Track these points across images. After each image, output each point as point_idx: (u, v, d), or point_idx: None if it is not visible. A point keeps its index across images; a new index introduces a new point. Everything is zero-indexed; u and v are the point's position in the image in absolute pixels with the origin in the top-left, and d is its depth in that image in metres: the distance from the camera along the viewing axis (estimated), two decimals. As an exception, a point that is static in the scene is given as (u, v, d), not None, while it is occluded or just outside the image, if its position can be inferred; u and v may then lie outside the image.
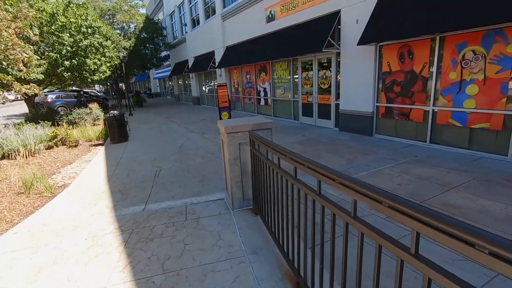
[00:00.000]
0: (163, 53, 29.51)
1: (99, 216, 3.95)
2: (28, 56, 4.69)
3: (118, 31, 23.02)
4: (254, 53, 12.27)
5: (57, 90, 20.15)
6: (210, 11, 17.08)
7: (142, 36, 22.23)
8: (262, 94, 13.19)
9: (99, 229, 3.56)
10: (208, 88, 19.90)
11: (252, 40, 12.98)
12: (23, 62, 4.65)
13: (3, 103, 29.55)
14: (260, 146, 3.10)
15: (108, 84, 31.42)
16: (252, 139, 3.39)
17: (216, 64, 16.17)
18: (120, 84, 68.46)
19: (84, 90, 29.61)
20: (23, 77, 9.45)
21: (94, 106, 17.83)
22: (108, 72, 13.92)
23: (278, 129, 9.63)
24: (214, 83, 18.21)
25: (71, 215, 4.03)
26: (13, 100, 35.48)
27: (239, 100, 15.48)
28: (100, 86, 49.36)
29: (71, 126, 11.42)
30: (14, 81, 5.36)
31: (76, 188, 5.30)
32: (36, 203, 4.65)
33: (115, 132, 9.39)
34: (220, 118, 9.50)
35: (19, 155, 7.32)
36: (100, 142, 9.92)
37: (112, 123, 9.31)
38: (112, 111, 9.97)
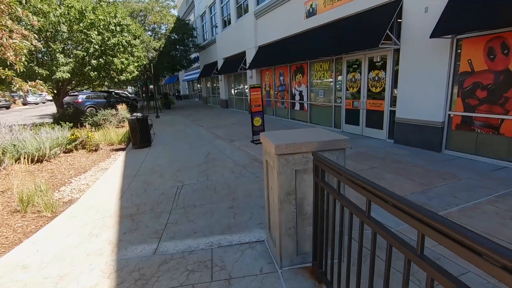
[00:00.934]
0: (193, 55, 29.23)
1: (96, 258, 2.92)
2: (16, 42, 3.84)
3: (149, 32, 22.88)
4: (290, 53, 11.06)
5: (88, 91, 20.27)
6: (242, 10, 16.15)
7: (172, 37, 21.86)
8: (297, 97, 11.92)
9: (89, 286, 2.50)
10: (237, 90, 18.98)
11: (287, 38, 11.78)
12: (14, 50, 3.84)
13: (6, 108, 30.03)
14: (331, 176, 1.90)
15: (138, 85, 31.71)
16: (317, 165, 2.18)
17: (247, 65, 15.16)
18: (150, 86, 70.40)
19: (116, 91, 30.09)
20: (44, 74, 8.88)
21: (122, 107, 17.60)
22: (136, 72, 13.37)
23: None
24: (243, 85, 17.24)
25: (62, 254, 3.03)
26: (50, 100, 36.96)
27: (270, 104, 14.31)
28: (132, 87, 50.65)
29: (94, 128, 10.88)
30: (14, 76, 4.57)
31: (82, 207, 4.37)
32: (29, 227, 3.74)
33: (137, 136, 8.58)
34: (252, 124, 8.36)
35: (32, 160, 6.65)
36: (122, 146, 9.18)
37: (135, 126, 8.51)
38: (135, 113, 9.21)
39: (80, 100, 17.81)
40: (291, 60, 11.19)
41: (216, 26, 20.99)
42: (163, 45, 20.97)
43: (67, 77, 10.30)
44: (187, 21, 23.30)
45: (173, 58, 21.58)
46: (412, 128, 6.92)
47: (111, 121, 11.63)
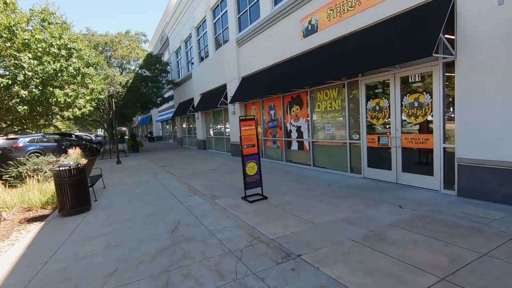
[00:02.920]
0: (167, 94, 27.00)
1: None
2: None
3: (117, 68, 20.50)
4: (283, 81, 8.90)
5: (39, 133, 16.91)
6: (222, 39, 14.35)
7: (143, 73, 19.60)
8: (294, 135, 9.55)
9: None
10: (216, 130, 16.49)
11: (279, 64, 9.74)
12: None
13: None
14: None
15: (104, 126, 28.52)
16: None
17: (229, 99, 12.90)
18: (124, 128, 66.28)
19: (76, 134, 26.59)
20: None
21: (75, 151, 14.37)
22: (89, 107, 10.53)
23: (332, 189, 5.75)
24: (224, 123, 14.81)
25: None
26: None
27: (259, 143, 11.81)
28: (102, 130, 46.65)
29: (15, 183, 7.67)
30: None
31: None
32: None
33: (67, 197, 5.54)
34: (244, 173, 5.67)
35: None
36: (47, 212, 6.04)
37: (63, 181, 5.52)
38: (67, 162, 6.27)
39: (21, 145, 14.41)
40: (284, 89, 8.99)
41: (192, 63, 19.09)
42: (131, 81, 18.51)
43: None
44: (159, 56, 21.31)
45: (143, 96, 19.06)
46: (491, 174, 4.56)
47: (45, 172, 8.44)
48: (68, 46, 9.21)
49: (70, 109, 9.80)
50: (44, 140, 15.65)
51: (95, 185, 7.95)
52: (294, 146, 9.61)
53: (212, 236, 4.07)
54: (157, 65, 19.40)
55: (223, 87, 14.06)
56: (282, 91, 9.64)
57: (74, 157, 14.12)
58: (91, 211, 5.83)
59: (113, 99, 13.28)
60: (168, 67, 21.80)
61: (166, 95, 27.07)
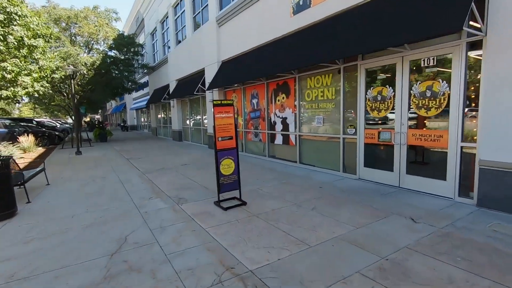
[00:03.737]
0: (143, 80, 25.02)
1: None
2: None
3: (84, 48, 18.38)
4: (268, 64, 7.73)
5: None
6: (201, 19, 12.87)
7: (113, 53, 17.68)
8: (278, 127, 8.44)
9: None
10: (193, 120, 15.09)
11: (264, 46, 8.55)
12: None
13: None
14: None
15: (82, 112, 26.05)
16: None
17: (207, 86, 11.57)
18: (97, 116, 62.41)
19: (38, 120, 24.11)
20: None
21: (27, 139, 12.53)
22: (38, 87, 8.85)
23: (324, 193, 4.70)
24: (202, 112, 13.46)
25: None
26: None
27: (238, 136, 10.63)
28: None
29: None
30: None
31: None
32: None
33: (-22, 201, 4.13)
34: (218, 172, 4.50)
35: None
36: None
37: (-29, 180, 4.10)
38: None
39: (-40, 130, 12.32)
40: (269, 73, 7.83)
41: (169, 46, 17.41)
42: (98, 62, 16.59)
43: None
44: (131, 36, 19.38)
45: (113, 80, 17.19)
46: (524, 181, 3.68)
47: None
48: (8, 10, 7.49)
49: (12, 88, 8.10)
50: (-9, 125, 13.57)
51: (35, 182, 6.51)
52: (279, 140, 8.51)
53: (166, 264, 2.89)
54: (129, 47, 17.54)
55: (201, 73, 12.68)
56: (267, 77, 8.48)
57: (25, 145, 12.32)
58: (15, 217, 4.45)
59: (73, 81, 11.52)
60: (143, 50, 19.95)
61: (141, 81, 25.13)
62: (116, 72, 17.69)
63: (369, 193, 5.05)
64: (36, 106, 31.21)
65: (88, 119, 45.14)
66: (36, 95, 9.34)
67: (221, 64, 11.07)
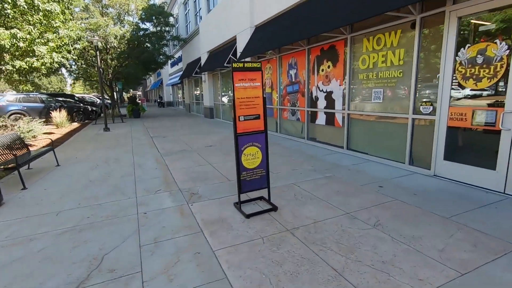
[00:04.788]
0: (177, 54, 24.25)
1: None
2: None
3: (116, 20, 17.77)
4: (310, 23, 6.05)
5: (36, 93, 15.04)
6: (233, -21, 11.24)
7: (143, 25, 16.85)
8: (322, 104, 6.87)
9: None
10: (226, 95, 13.90)
11: (303, 3, 6.84)
12: None
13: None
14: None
15: (118, 88, 26.39)
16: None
17: (238, 56, 10.16)
18: (139, 93, 64.27)
19: (79, 96, 24.78)
20: None
21: (60, 114, 12.38)
22: (57, 59, 8.16)
23: (389, 196, 3.16)
24: (233, 88, 12.18)
25: None
26: None
27: (272, 113, 9.23)
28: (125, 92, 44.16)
29: None
30: None
31: None
32: None
33: None
34: (240, 163, 3.20)
35: None
36: None
37: None
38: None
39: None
40: (313, 33, 6.16)
41: (200, 16, 16.06)
42: (129, 34, 15.89)
43: None
44: (161, 5, 18.29)
45: (144, 53, 16.46)
46: None
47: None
48: (15, -33, 6.65)
49: (28, 59, 7.45)
50: (27, 99, 13.67)
51: (46, 162, 5.89)
52: (321, 119, 6.97)
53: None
54: (160, 17, 16.52)
55: (233, 42, 11.27)
56: (309, 40, 6.84)
57: (57, 121, 12.20)
58: (2, 207, 3.67)
59: (98, 53, 10.83)
60: (175, 21, 18.86)
61: (176, 56, 24.38)
62: (148, 45, 16.92)
63: (457, 201, 3.45)
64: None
65: (129, 95, 46.40)
66: (57, 66, 8.71)
67: (254, 30, 9.52)
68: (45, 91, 39.90)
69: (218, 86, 14.79)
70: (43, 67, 7.84)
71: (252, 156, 3.32)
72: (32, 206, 3.78)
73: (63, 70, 19.50)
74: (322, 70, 6.71)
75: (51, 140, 6.02)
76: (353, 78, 5.86)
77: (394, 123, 5.06)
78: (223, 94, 14.16)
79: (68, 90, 57.32)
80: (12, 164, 4.43)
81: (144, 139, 9.12)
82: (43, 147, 5.73)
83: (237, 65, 3.11)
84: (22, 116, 13.03)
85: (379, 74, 5.21)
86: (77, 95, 24.27)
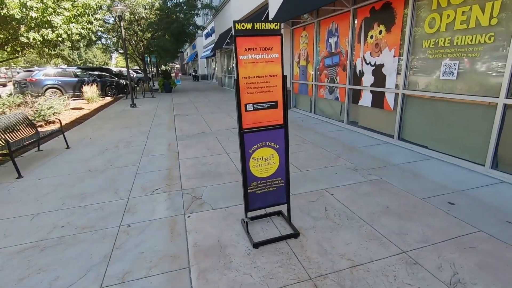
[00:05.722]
0: (210, 25, 23.14)
1: None
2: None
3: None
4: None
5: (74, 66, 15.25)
6: None
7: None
8: (368, 80, 5.51)
9: None
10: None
11: None
12: None
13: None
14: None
15: (153, 62, 26.35)
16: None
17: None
18: (177, 66, 64.66)
19: (115, 70, 25.11)
20: None
21: (91, 89, 12.29)
22: (76, 30, 7.63)
23: (466, 226, 1.98)
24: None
25: None
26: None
27: (306, 90, 7.98)
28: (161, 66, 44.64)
29: None
30: None
31: None
32: None
33: None
34: (246, 173, 2.24)
35: None
36: None
37: None
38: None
39: (34, 78, 12.71)
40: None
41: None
42: (158, 3, 15.06)
43: None
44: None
45: (173, 23, 15.63)
46: None
47: None
48: None
49: (43, 30, 6.97)
50: (64, 74, 13.79)
51: (57, 144, 5.52)
52: (366, 99, 5.64)
53: None
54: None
55: (265, 7, 9.90)
56: (355, -1, 5.38)
57: (88, 95, 12.12)
58: (-27, 208, 3.19)
59: (122, 23, 10.20)
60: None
61: (209, 27, 23.29)
62: (179, 14, 16.01)
63: None
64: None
65: (167, 68, 46.73)
66: (78, 38, 8.24)
67: (288, -10, 8.06)
68: (90, 65, 41.63)
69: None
70: (59, 39, 7.36)
71: (265, 161, 2.33)
72: (13, 203, 3.25)
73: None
74: (371, 37, 5.28)
75: (60, 121, 5.55)
76: (414, 47, 4.41)
77: (472, 109, 3.67)
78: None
79: (113, 64, 59.42)
80: (3, 151, 3.96)
81: (165, 118, 8.51)
82: (61, 126, 5.29)
83: (242, 26, 2.05)
84: (57, 90, 13.25)
85: (454, 40, 3.74)
86: (114, 69, 24.61)
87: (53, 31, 7.00)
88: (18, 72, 17.81)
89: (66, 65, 24.01)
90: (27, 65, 39.39)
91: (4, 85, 28.30)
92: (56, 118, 7.35)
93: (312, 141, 5.30)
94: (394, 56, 4.78)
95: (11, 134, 4.67)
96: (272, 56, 2.14)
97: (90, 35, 9.57)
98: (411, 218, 2.62)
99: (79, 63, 46.37)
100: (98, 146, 5.55)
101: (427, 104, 4.32)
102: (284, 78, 2.20)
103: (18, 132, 4.85)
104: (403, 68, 4.59)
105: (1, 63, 11.73)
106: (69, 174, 4.12)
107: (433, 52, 4.08)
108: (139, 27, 16.05)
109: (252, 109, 2.18)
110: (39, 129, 5.78)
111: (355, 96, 5.95)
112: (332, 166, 3.99)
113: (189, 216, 2.82)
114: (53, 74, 13.36)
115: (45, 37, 6.90)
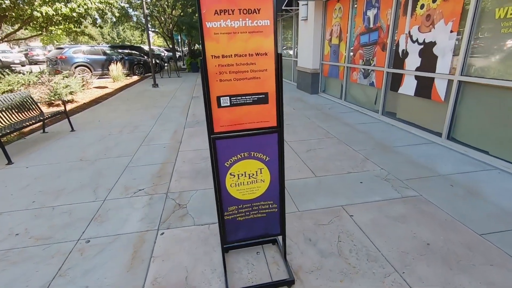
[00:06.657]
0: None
1: None
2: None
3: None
4: None
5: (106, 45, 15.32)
6: None
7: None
8: (412, 62, 4.44)
9: None
10: (284, 47, 11.66)
11: None
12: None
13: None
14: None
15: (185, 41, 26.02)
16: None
17: (300, -6, 7.76)
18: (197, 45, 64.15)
19: (146, 48, 25.09)
20: None
21: (115, 67, 12.19)
22: (93, 5, 7.25)
23: None
24: (293, 39, 9.88)
25: None
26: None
27: (337, 73, 6.96)
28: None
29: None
30: None
31: None
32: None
33: None
34: (220, 193, 1.61)
35: None
36: None
37: None
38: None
39: (64, 56, 12.86)
40: None
41: None
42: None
43: None
44: None
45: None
46: None
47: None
48: None
49: (57, 3, 6.65)
50: (93, 51, 13.83)
51: (63, 126, 5.28)
52: (408, 86, 4.59)
53: None
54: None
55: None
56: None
57: (114, 74, 12.04)
58: None
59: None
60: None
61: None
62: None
63: None
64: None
65: (196, 47, 46.34)
66: (94, 14, 7.88)
67: (323, -46, 6.91)
68: (128, 44, 42.48)
69: (276, 37, 12.51)
70: (74, 14, 7.02)
71: (249, 178, 1.64)
72: (-15, 197, 2.93)
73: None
74: (422, 7, 4.16)
75: (64, 103, 5.24)
76: (479, 20, 3.30)
77: None
78: (281, 45, 11.90)
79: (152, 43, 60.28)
80: (-10, 134, 3.67)
81: (183, 100, 8.02)
82: (65, 108, 5.03)
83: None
84: (86, 68, 13.36)
85: (548, 5, 2.63)
86: (145, 47, 24.63)
87: (65, 5, 6.65)
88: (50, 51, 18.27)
89: (97, 44, 24.38)
90: (72, 43, 41.24)
91: (23, 65, 26.72)
92: (72, 99, 7.17)
93: (336, 135, 4.46)
94: (451, 32, 3.68)
95: (12, 115, 4.43)
96: (260, 23, 1.38)
97: (113, 10, 9.20)
98: (465, 268, 1.80)
99: (117, 41, 47.51)
100: (102, 130, 5.19)
101: (493, 96, 3.25)
102: (278, 57, 1.44)
103: (21, 113, 4.61)
104: (462, 47, 3.51)
105: (28, 39, 11.90)
106: (58, 163, 3.76)
107: (508, 27, 2.98)
108: (167, 3, 15.51)
109: (228, 104, 1.47)
110: (55, 109, 5.56)
111: (395, 81, 4.90)
112: (357, 172, 3.17)
113: (162, 234, 2.25)
114: (82, 52, 13.45)
115: (59, 11, 6.59)
